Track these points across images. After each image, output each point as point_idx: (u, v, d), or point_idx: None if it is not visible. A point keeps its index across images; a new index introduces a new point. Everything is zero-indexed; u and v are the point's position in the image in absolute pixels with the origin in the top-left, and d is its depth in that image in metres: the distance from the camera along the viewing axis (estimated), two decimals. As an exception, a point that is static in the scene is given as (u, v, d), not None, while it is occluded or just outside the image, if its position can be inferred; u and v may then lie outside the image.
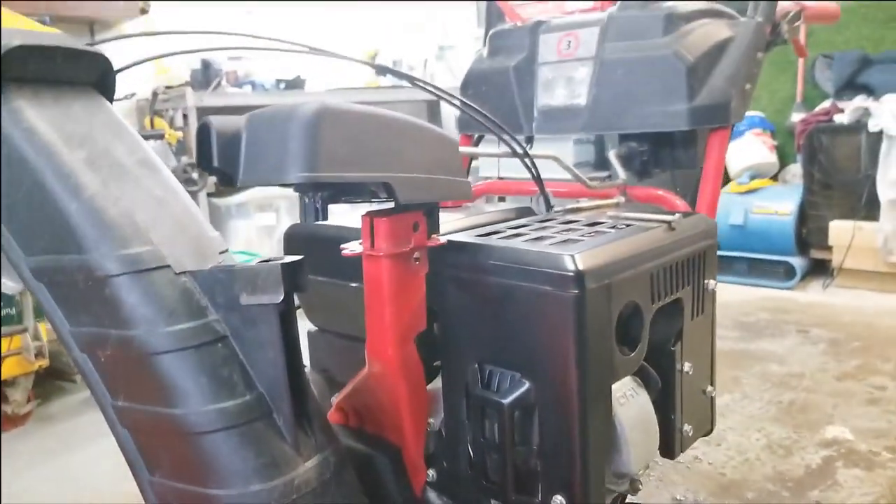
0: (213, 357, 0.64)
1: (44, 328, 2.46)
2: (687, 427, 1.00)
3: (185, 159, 3.34)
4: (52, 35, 0.73)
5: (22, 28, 0.72)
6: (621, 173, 1.35)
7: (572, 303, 0.75)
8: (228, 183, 0.71)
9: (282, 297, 0.63)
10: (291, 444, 0.65)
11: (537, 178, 1.03)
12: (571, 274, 0.76)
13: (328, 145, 0.65)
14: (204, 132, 0.69)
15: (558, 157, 1.14)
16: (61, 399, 2.71)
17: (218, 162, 0.69)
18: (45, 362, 2.46)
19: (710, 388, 1.06)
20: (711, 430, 1.09)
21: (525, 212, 1.12)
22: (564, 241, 0.84)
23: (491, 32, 1.62)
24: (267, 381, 0.65)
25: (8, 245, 0.66)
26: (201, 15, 4.17)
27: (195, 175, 3.29)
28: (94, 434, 2.31)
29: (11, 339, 2.40)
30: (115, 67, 0.78)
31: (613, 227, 0.93)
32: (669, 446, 0.98)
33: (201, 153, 0.70)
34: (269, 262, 0.64)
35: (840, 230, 3.63)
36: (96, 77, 0.75)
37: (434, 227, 0.83)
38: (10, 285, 0.89)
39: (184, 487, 0.64)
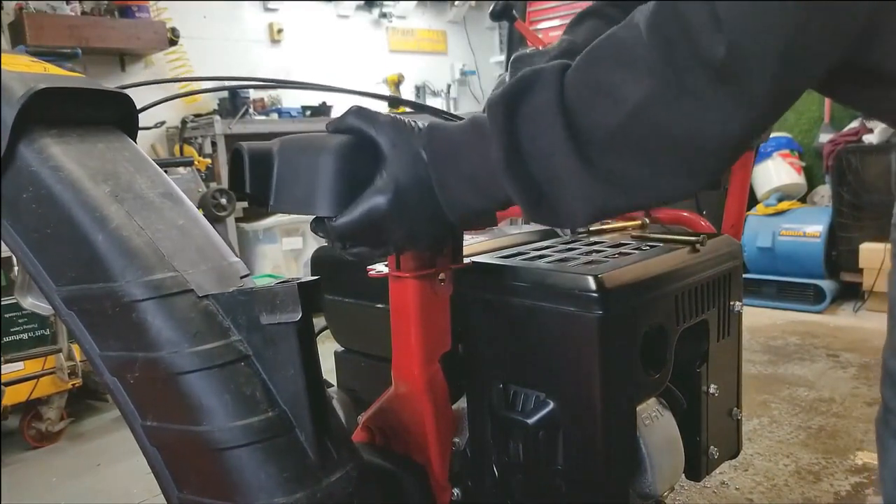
0: (236, 376, 0.66)
1: (77, 349, 2.51)
2: (713, 449, 0.99)
3: (213, 185, 3.41)
4: (76, 78, 0.77)
5: (48, 73, 0.76)
6: (645, 195, 1.35)
7: (596, 323, 0.76)
8: (261, 206, 0.73)
9: (300, 316, 0.65)
10: (314, 458, 0.67)
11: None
12: (595, 295, 0.76)
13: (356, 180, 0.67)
14: (237, 158, 0.71)
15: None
16: (93, 417, 2.76)
17: (250, 187, 0.71)
18: (78, 382, 2.51)
19: (736, 411, 1.05)
20: (738, 453, 1.08)
21: (549, 234, 1.13)
22: (588, 263, 0.85)
23: (513, 57, 1.64)
24: (288, 397, 0.67)
25: (39, 277, 0.69)
26: (228, 46, 4.28)
27: (224, 201, 3.35)
28: (125, 451, 2.35)
29: (46, 359, 2.46)
30: (138, 107, 0.82)
31: (637, 249, 0.94)
32: (695, 469, 0.98)
33: (234, 178, 0.72)
34: (287, 283, 0.65)
35: (871, 252, 3.57)
36: (119, 116, 0.79)
37: (458, 248, 0.84)
38: (46, 307, 0.92)
39: (211, 502, 0.66)
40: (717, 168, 0.53)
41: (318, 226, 0.71)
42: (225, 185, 3.33)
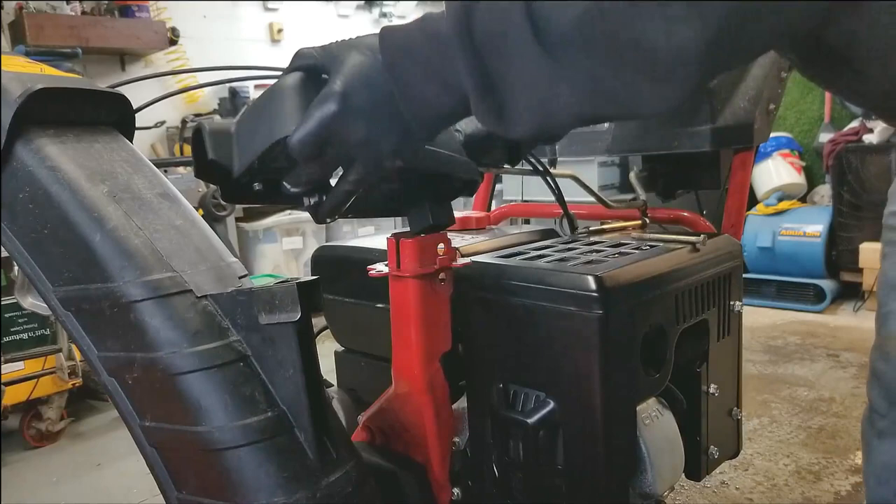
0: (235, 376, 0.66)
1: (77, 349, 2.51)
2: (713, 449, 0.99)
3: (213, 185, 3.40)
4: (72, 79, 0.76)
5: (44, 74, 0.76)
6: (641, 194, 1.35)
7: (596, 323, 0.76)
8: (224, 184, 0.69)
9: (299, 316, 0.65)
10: (313, 458, 0.67)
11: (560, 198, 1.04)
12: (595, 294, 0.76)
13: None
14: (197, 137, 0.68)
15: (577, 175, 1.15)
16: (93, 417, 2.76)
17: (213, 153, 0.67)
18: (78, 381, 2.51)
19: (736, 410, 1.05)
20: (738, 453, 1.08)
21: (549, 233, 1.13)
22: (588, 262, 0.85)
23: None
24: (287, 397, 0.67)
25: (36, 277, 0.69)
26: (228, 45, 4.27)
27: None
28: (125, 451, 2.35)
29: (46, 358, 2.45)
30: (135, 105, 0.81)
31: (638, 248, 0.94)
32: (695, 468, 0.98)
33: (196, 157, 0.68)
34: (286, 283, 0.65)
35: (871, 252, 3.57)
36: (116, 117, 0.79)
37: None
38: (46, 306, 0.92)
39: (210, 502, 0.66)
40: (668, 86, 0.51)
41: (289, 177, 0.68)
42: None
